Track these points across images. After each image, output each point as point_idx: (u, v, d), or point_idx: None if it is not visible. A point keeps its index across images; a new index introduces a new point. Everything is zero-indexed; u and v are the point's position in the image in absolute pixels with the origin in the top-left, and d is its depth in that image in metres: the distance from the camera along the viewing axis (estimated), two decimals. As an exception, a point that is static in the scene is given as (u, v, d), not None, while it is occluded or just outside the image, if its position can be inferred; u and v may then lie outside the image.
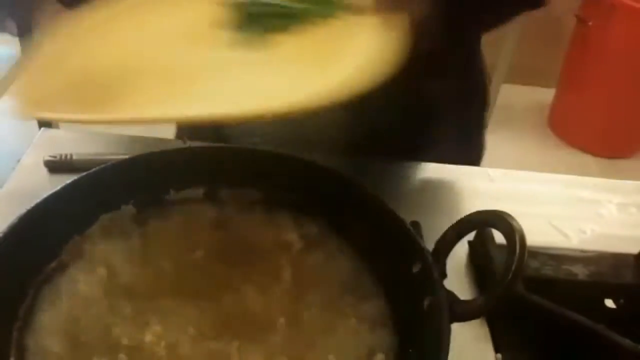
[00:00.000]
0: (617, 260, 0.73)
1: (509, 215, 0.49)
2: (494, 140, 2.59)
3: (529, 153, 2.50)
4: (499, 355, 0.59)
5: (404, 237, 0.54)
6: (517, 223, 0.48)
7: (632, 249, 0.72)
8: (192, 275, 0.53)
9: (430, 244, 0.55)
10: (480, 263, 0.69)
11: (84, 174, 0.55)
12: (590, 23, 2.24)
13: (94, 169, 0.55)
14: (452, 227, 0.53)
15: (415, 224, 0.67)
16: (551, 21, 2.65)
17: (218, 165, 0.61)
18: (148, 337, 0.48)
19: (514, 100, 2.71)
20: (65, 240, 0.54)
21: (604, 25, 2.19)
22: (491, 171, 0.85)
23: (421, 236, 0.66)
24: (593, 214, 0.80)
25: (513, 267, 0.45)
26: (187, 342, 0.48)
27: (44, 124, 0.83)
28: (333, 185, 0.59)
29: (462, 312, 0.47)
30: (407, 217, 0.57)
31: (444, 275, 0.51)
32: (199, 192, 0.60)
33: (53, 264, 0.52)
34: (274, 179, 0.60)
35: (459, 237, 0.52)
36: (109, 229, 0.56)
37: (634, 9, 2.13)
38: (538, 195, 0.82)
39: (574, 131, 2.53)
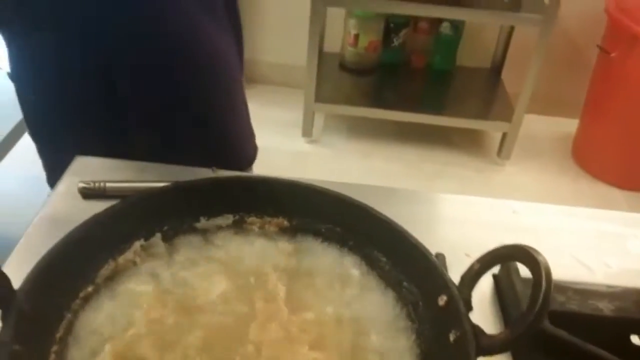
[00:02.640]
0: (643, 296, 0.73)
1: (535, 250, 0.49)
2: (517, 171, 2.60)
3: (553, 184, 2.48)
4: (524, 389, 0.59)
5: (430, 269, 0.55)
6: (543, 257, 0.48)
7: (660, 285, 0.72)
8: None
9: (455, 276, 0.56)
10: (505, 296, 0.69)
11: (118, 202, 0.57)
12: (613, 54, 2.24)
13: (127, 199, 0.57)
14: (478, 260, 0.53)
15: (440, 256, 0.68)
16: (574, 52, 2.65)
17: (247, 194, 0.62)
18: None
19: (538, 131, 2.71)
20: (100, 265, 0.55)
21: (626, 56, 2.19)
22: (515, 204, 0.85)
23: (446, 268, 0.67)
24: (619, 248, 0.80)
25: (539, 302, 0.46)
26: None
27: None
28: (361, 219, 0.60)
29: (488, 345, 0.48)
30: (432, 249, 0.58)
31: (469, 308, 0.51)
32: (229, 220, 0.62)
33: (89, 289, 0.54)
34: (301, 210, 0.62)
35: (485, 270, 0.53)
36: (141, 255, 0.57)
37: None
38: (563, 229, 0.82)
39: (598, 163, 2.51)
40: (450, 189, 2.38)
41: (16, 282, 0.48)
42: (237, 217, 0.62)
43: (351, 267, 0.60)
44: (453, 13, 2.28)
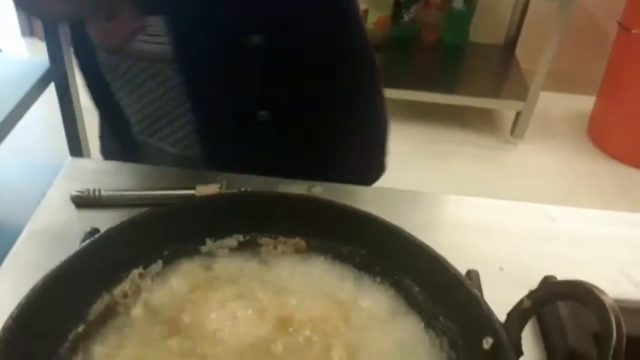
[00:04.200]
0: (697, 315, 0.66)
1: (599, 290, 0.42)
2: (531, 150, 2.51)
3: (568, 164, 2.40)
4: None
5: (472, 304, 0.47)
6: (610, 300, 0.41)
7: None
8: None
9: (489, 294, 0.50)
10: (546, 320, 0.62)
11: (112, 227, 0.50)
12: (633, 31, 2.14)
13: (122, 223, 0.50)
14: (529, 295, 0.46)
15: (474, 274, 0.61)
16: (592, 28, 2.55)
17: (260, 211, 0.55)
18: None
19: (553, 109, 2.62)
20: (93, 300, 0.48)
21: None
22: (550, 209, 0.78)
23: (480, 289, 0.60)
24: (665, 259, 0.73)
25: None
26: None
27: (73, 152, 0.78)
28: (388, 239, 0.53)
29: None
30: (460, 262, 0.51)
31: (520, 353, 0.44)
32: (235, 241, 0.55)
33: (79, 329, 0.47)
34: (314, 227, 0.55)
35: (537, 309, 0.46)
36: (139, 285, 0.50)
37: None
38: (601, 237, 0.75)
39: (615, 142, 2.43)
40: (462, 169, 2.30)
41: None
42: (247, 237, 0.55)
43: (378, 294, 0.53)
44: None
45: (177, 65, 0.72)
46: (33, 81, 1.61)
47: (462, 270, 0.51)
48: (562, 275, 0.69)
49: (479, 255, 0.66)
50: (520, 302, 0.47)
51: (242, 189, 0.71)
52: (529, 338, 0.60)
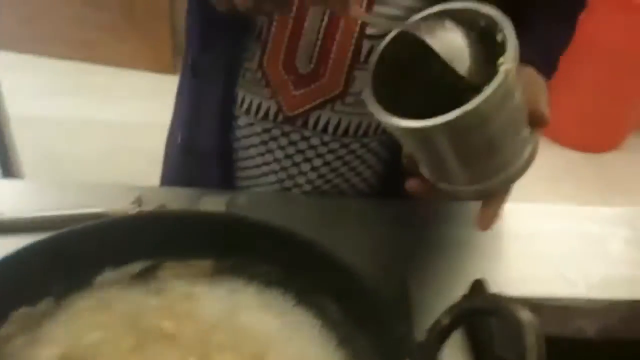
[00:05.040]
0: (629, 309, 0.65)
1: (518, 307, 0.39)
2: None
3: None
4: None
5: (392, 325, 0.44)
6: (529, 316, 0.39)
7: (646, 292, 0.64)
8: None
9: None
10: (480, 345, 0.59)
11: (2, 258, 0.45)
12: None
13: (15, 252, 0.45)
14: (447, 312, 0.43)
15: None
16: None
17: (163, 233, 0.51)
18: None
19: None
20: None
21: (587, 18, 2.11)
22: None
23: (406, 297, 0.57)
24: (598, 252, 0.72)
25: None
26: None
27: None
28: (305, 255, 0.50)
29: None
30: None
31: (437, 374, 0.42)
32: (138, 268, 0.50)
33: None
34: (227, 246, 0.51)
35: (456, 326, 0.43)
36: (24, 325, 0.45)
37: (619, 3, 2.06)
38: (539, 233, 0.73)
39: (555, 126, 2.45)
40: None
41: None
42: (150, 262, 0.51)
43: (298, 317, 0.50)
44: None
45: None
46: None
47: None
48: (496, 273, 0.67)
49: (416, 264, 0.64)
50: (439, 319, 0.44)
51: (160, 204, 0.68)
52: (458, 347, 0.58)
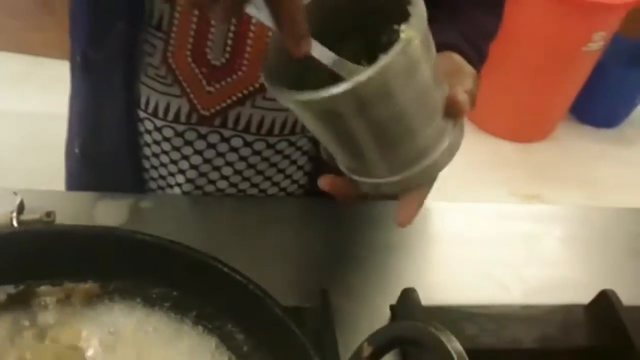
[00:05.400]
0: (566, 315, 0.61)
1: (446, 335, 0.34)
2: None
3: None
4: None
5: (304, 354, 0.38)
6: (458, 347, 0.33)
7: (582, 297, 0.61)
8: None
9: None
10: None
11: None
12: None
13: None
14: (369, 341, 0.37)
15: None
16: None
17: (36, 253, 0.42)
18: None
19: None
20: None
21: (515, 8, 2.11)
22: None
23: (328, 313, 0.51)
24: (532, 253, 0.68)
25: None
26: None
27: None
28: (202, 276, 0.42)
29: None
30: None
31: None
32: (4, 294, 0.42)
33: None
34: (112, 266, 0.43)
35: (380, 355, 0.37)
36: None
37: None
38: (470, 233, 0.69)
39: (485, 117, 2.45)
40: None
41: None
42: (20, 287, 0.42)
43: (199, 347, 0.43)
44: None
45: None
46: None
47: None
48: (426, 279, 0.62)
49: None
50: (360, 348, 0.38)
51: (46, 212, 0.59)
52: None
